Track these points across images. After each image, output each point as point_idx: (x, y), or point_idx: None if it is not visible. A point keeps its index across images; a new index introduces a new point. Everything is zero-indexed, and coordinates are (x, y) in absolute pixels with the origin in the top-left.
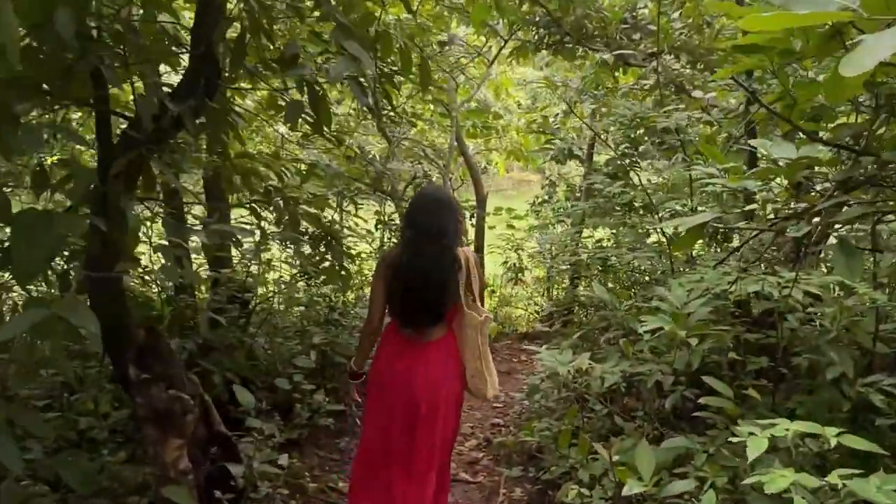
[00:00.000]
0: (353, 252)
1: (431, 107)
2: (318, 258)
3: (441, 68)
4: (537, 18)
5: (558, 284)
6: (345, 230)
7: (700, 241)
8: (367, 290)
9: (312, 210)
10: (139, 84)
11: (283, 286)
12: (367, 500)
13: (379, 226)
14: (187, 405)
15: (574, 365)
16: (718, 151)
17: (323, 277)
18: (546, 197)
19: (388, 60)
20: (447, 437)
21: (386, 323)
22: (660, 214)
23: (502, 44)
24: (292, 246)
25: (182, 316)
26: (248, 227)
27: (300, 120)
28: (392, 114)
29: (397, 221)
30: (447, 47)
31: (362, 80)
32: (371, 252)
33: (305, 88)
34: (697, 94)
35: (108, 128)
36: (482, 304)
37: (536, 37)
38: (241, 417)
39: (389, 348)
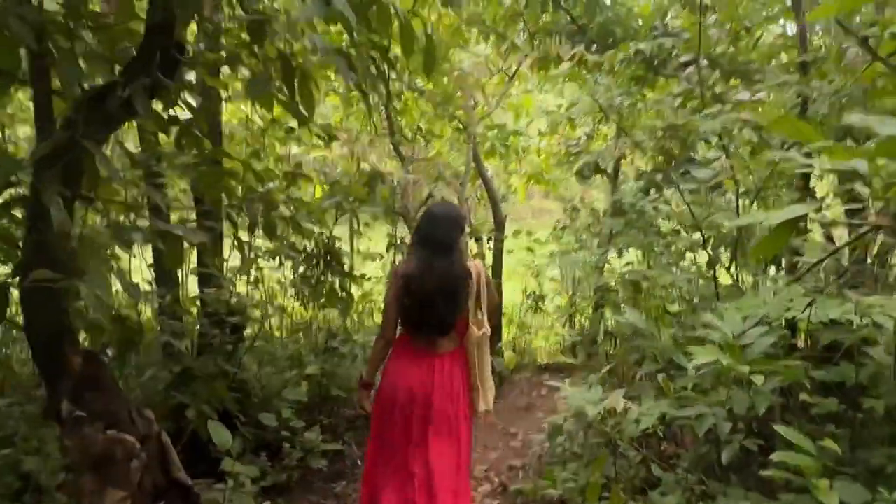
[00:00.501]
0: (357, 274)
1: (449, 128)
2: (315, 279)
3: (460, 86)
4: (561, 26)
5: (581, 312)
6: (357, 251)
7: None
8: (375, 316)
9: (306, 223)
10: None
11: (272, 308)
12: None
13: (390, 248)
14: (131, 449)
15: (606, 405)
16: (806, 125)
17: (321, 300)
18: (568, 221)
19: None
20: (458, 449)
21: (399, 333)
22: (702, 232)
23: (523, 58)
24: (287, 262)
25: (129, 337)
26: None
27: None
28: (406, 131)
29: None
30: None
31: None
32: (381, 277)
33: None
34: (743, 96)
35: (47, 109)
36: (492, 320)
37: (559, 43)
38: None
39: (400, 360)
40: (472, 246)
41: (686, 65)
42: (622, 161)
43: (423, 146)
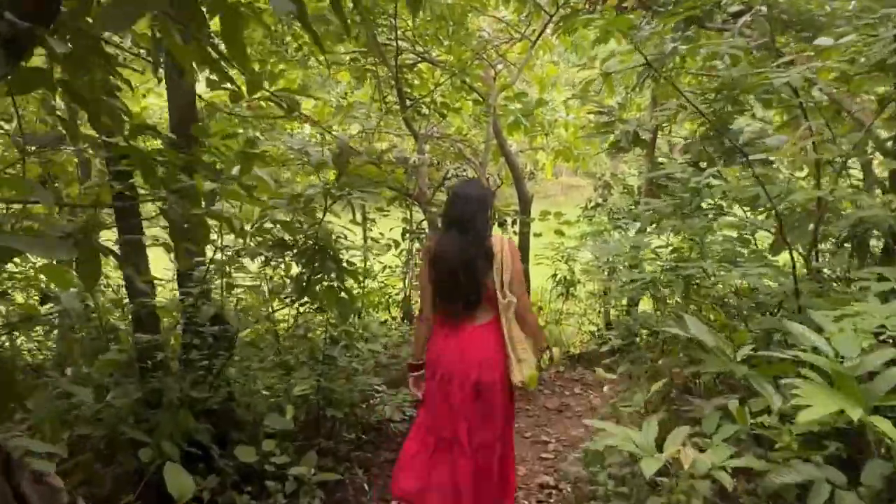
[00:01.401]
0: (360, 268)
1: (467, 101)
2: (306, 277)
3: (477, 54)
4: None
5: (617, 302)
6: (370, 240)
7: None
8: (382, 315)
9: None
10: None
11: (256, 314)
12: (412, 478)
13: (405, 235)
14: None
15: (666, 456)
16: None
17: (316, 302)
18: (600, 200)
19: None
20: (500, 414)
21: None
22: (777, 213)
23: (547, 19)
24: (277, 261)
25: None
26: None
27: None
28: (420, 104)
29: (426, 230)
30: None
31: None
32: (396, 266)
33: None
34: (825, 41)
35: None
36: (518, 290)
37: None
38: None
39: (438, 334)
40: (496, 230)
41: (737, 15)
42: (658, 132)
43: (439, 122)
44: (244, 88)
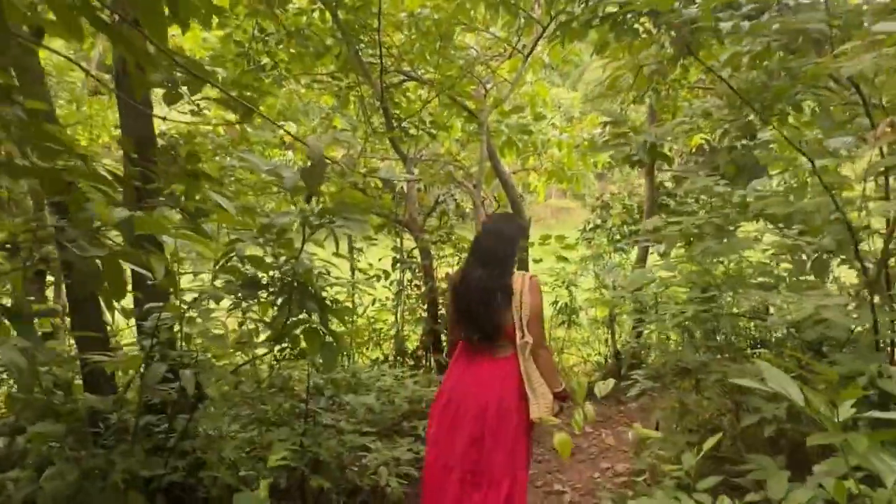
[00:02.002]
0: (346, 304)
1: (457, 120)
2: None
3: (467, 71)
4: None
5: (620, 329)
6: (358, 271)
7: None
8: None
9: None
10: None
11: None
12: None
13: (397, 265)
14: None
15: None
16: None
17: (294, 348)
18: (598, 221)
19: None
20: (509, 449)
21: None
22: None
23: (540, 32)
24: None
25: None
26: None
27: None
28: (408, 125)
29: (417, 258)
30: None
31: None
32: (387, 298)
33: None
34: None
35: None
36: (534, 330)
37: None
38: None
39: (457, 363)
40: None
41: (749, 18)
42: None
43: (429, 144)
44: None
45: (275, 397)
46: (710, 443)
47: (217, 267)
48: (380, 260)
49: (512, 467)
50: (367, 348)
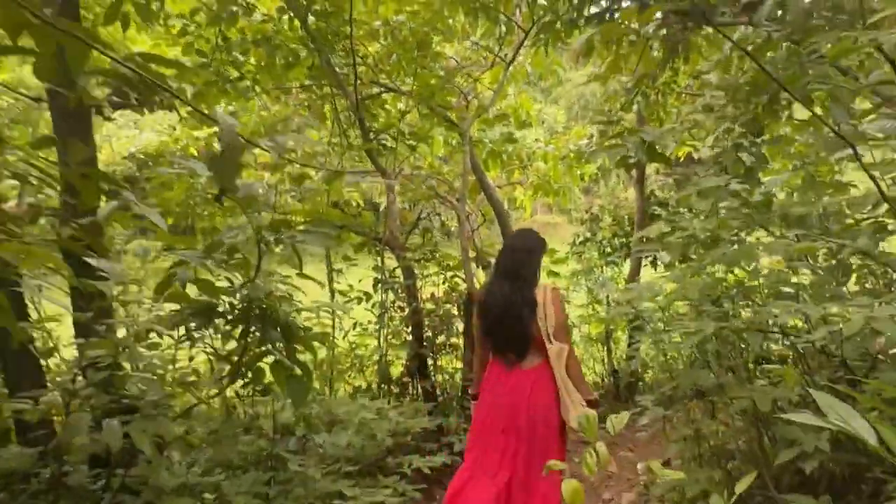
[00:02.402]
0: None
1: (438, 131)
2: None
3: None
4: None
5: (616, 347)
6: (338, 293)
7: None
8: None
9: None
10: None
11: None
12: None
13: (379, 286)
14: None
15: None
16: None
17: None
18: (588, 234)
19: None
20: (546, 453)
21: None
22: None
23: (522, 37)
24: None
25: None
26: None
27: None
28: (386, 136)
29: (400, 278)
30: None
31: None
32: (369, 322)
33: None
34: None
35: None
36: (561, 339)
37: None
38: None
39: (490, 377)
40: (479, 274)
41: (748, 7)
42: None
43: (409, 157)
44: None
45: (238, 438)
46: (743, 483)
47: (160, 294)
48: (360, 281)
49: (550, 477)
50: (350, 376)
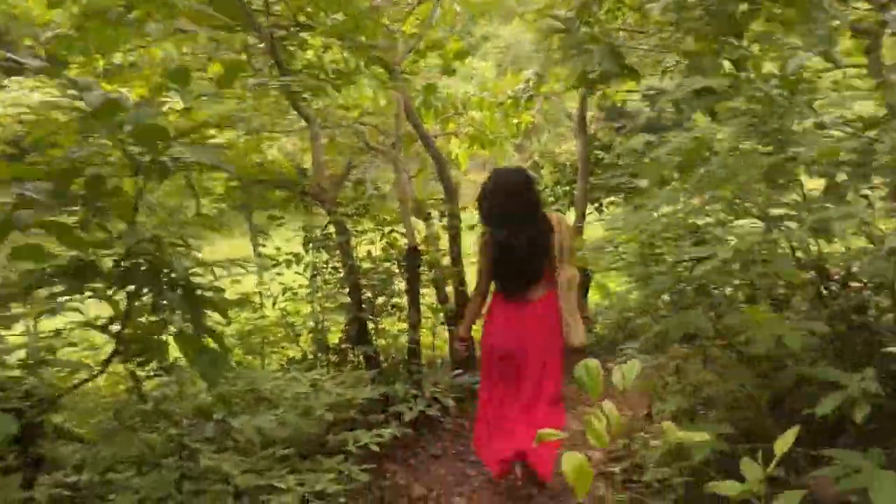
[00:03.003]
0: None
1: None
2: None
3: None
4: None
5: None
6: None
7: None
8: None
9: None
10: None
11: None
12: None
13: (309, 246)
14: None
15: None
16: None
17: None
18: None
19: None
20: (550, 376)
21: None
22: None
23: None
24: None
25: None
26: None
27: None
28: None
29: (334, 237)
30: None
31: None
32: (301, 286)
33: None
34: None
35: None
36: (568, 257)
37: None
38: None
39: (497, 313)
40: (420, 227)
41: None
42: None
43: (335, 103)
44: None
45: (135, 429)
46: (785, 439)
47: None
48: (288, 241)
49: (554, 394)
50: (282, 347)
